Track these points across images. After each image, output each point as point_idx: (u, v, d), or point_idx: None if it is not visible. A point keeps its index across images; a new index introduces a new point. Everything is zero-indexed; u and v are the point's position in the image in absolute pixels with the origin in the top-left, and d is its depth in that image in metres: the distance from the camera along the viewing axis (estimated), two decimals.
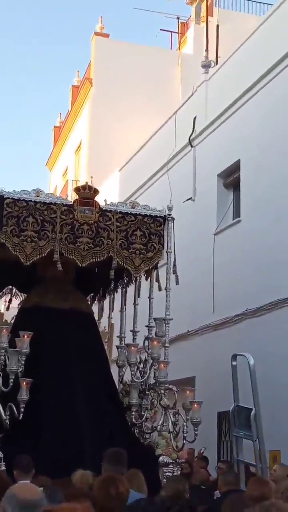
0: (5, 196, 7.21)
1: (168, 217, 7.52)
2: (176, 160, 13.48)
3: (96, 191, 7.51)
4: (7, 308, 9.17)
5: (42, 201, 7.27)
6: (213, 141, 12.30)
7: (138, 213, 7.44)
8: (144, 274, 7.87)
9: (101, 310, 9.16)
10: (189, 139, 12.87)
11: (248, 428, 7.51)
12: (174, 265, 7.45)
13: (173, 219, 7.53)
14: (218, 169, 12.01)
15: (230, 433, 10.09)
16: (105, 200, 7.62)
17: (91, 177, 17.55)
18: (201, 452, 9.45)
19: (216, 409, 10.41)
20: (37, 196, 7.27)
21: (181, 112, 13.61)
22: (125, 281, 8.59)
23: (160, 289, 7.73)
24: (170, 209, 7.59)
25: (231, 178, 11.92)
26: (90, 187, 7.49)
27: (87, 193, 7.40)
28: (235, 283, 10.79)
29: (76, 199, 7.44)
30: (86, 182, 7.68)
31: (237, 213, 11.64)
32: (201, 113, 12.68)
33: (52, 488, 3.75)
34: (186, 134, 12.91)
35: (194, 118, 12.78)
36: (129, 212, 7.43)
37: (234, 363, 8.11)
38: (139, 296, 8.25)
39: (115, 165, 16.41)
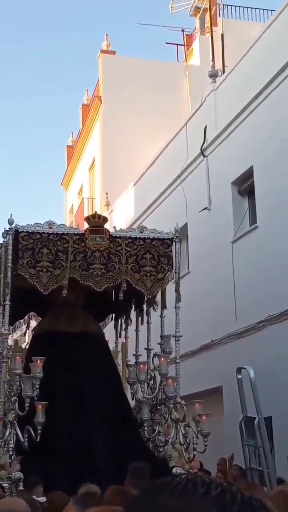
0: (19, 230, 7.50)
1: (176, 239, 7.72)
2: (190, 171, 13.61)
3: (105, 219, 7.80)
4: (24, 334, 9.46)
5: (55, 232, 7.55)
6: (225, 149, 12.40)
7: (146, 237, 7.66)
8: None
9: (123, 330, 9.38)
10: (201, 149, 12.99)
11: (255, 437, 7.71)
12: (177, 283, 7.70)
13: (180, 240, 7.73)
14: (232, 177, 12.10)
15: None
16: (114, 227, 7.89)
17: (106, 194, 17.87)
18: (231, 459, 9.57)
19: None
20: (50, 228, 7.54)
21: (192, 122, 13.74)
22: (140, 301, 8.79)
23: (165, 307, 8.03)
24: (177, 231, 7.78)
25: (245, 185, 12.00)
26: (99, 216, 7.81)
27: (97, 222, 7.67)
28: (256, 290, 10.87)
29: (87, 228, 7.72)
30: (95, 211, 7.95)
31: (253, 219, 11.70)
32: (211, 123, 12.79)
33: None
34: (197, 144, 13.03)
35: (205, 128, 12.89)
36: (138, 236, 7.66)
37: (239, 376, 8.28)
38: (155, 310, 8.50)
39: (129, 180, 16.55)
